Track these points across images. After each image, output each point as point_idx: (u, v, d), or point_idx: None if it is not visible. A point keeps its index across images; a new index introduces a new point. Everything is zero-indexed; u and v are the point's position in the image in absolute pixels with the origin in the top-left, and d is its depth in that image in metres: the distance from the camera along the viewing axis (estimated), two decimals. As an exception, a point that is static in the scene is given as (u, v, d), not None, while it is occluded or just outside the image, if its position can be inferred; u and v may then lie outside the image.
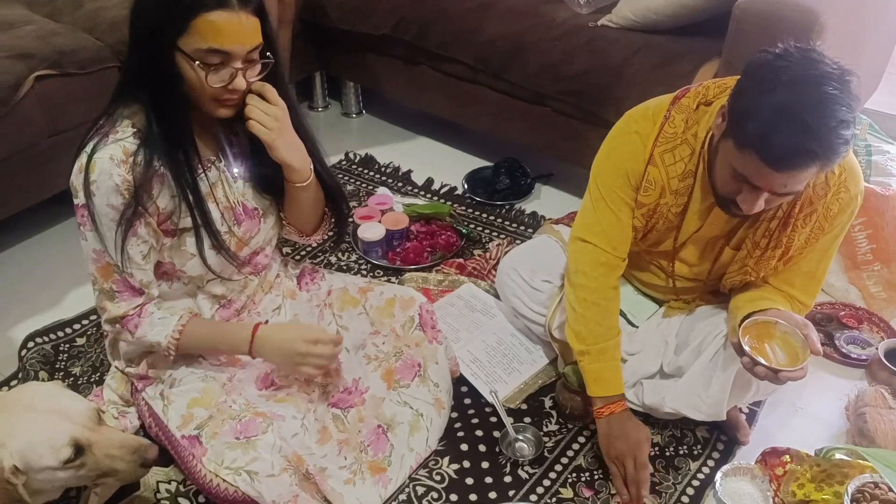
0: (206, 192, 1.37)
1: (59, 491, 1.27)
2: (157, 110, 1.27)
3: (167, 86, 1.25)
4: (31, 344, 1.82)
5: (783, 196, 1.27)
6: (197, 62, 1.21)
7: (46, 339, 1.85)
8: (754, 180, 1.24)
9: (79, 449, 1.19)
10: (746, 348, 1.32)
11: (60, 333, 1.88)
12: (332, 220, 1.61)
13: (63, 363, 1.81)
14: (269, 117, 1.33)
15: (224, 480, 1.33)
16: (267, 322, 1.57)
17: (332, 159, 2.59)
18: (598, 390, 1.51)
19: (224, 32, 1.20)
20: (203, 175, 1.37)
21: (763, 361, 1.31)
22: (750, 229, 1.45)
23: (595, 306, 1.53)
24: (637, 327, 1.71)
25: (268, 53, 1.29)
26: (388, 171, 2.56)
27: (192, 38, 1.20)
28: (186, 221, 1.36)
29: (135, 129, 1.28)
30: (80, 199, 1.29)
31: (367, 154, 2.63)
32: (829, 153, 1.17)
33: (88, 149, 1.27)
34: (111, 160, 1.25)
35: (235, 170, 1.44)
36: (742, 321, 1.39)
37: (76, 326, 1.91)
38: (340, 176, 2.53)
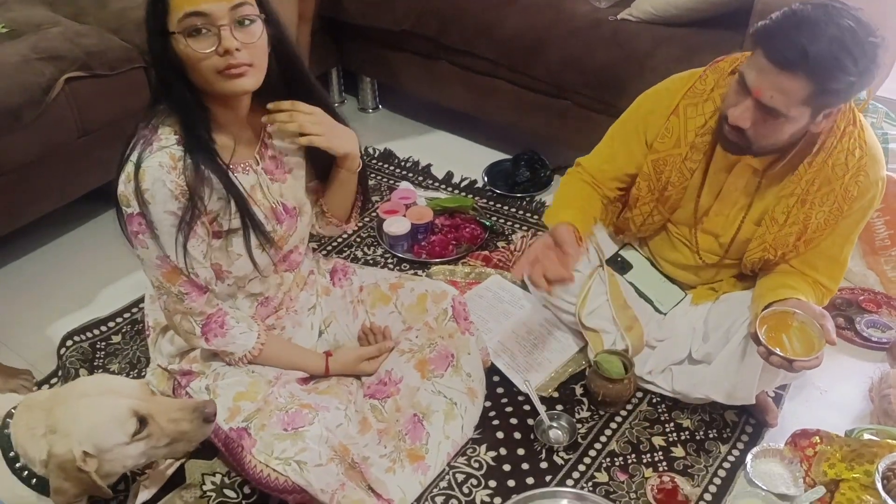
0: (248, 195, 1.40)
1: (130, 468, 1.31)
2: (180, 112, 1.30)
3: (177, 79, 1.27)
4: (69, 342, 1.86)
5: (768, 114, 1.31)
6: (182, 33, 1.21)
7: (83, 337, 1.89)
8: (751, 80, 1.30)
9: (142, 420, 1.24)
10: (762, 338, 1.36)
11: (97, 331, 1.92)
12: (360, 200, 1.66)
13: (101, 360, 1.85)
14: (317, 124, 1.37)
15: (274, 470, 1.37)
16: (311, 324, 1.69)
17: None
18: (551, 220, 1.62)
19: None
20: (244, 176, 1.40)
21: (778, 351, 1.34)
22: (771, 199, 1.49)
23: (570, 186, 1.71)
24: (665, 315, 1.75)
25: (262, 15, 1.27)
26: (408, 165, 2.59)
27: (173, 14, 1.21)
28: (233, 223, 1.39)
29: (177, 137, 1.30)
30: (133, 209, 1.30)
31: (385, 149, 2.66)
32: (820, 67, 1.23)
33: (134, 158, 1.28)
34: (161, 167, 1.27)
35: (273, 174, 1.47)
36: (763, 310, 1.44)
37: (111, 324, 1.95)
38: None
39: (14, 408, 1.30)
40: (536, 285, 1.50)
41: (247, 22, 1.25)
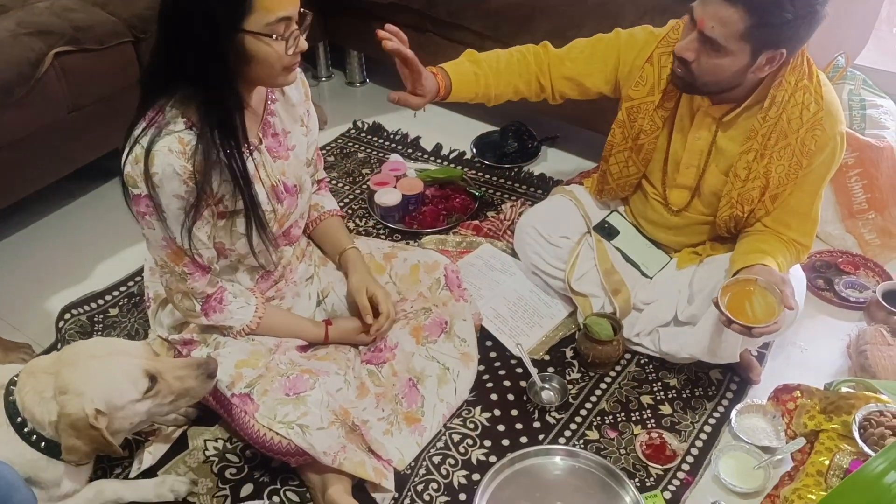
0: (252, 175, 1.41)
1: (139, 426, 1.37)
2: (213, 102, 1.29)
3: (228, 72, 1.27)
4: (67, 315, 1.88)
5: (709, 45, 1.38)
6: (274, 36, 1.24)
7: (81, 310, 1.91)
8: (696, 12, 1.38)
9: (152, 378, 1.30)
10: (722, 307, 1.42)
11: (94, 305, 1.94)
12: None
13: (100, 333, 1.87)
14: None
15: (277, 434, 1.41)
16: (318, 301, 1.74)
17: (339, 128, 2.66)
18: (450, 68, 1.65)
19: None
20: (249, 158, 1.41)
21: (736, 320, 1.40)
22: (734, 155, 1.55)
23: (516, 52, 1.70)
24: (651, 278, 1.81)
25: (303, 9, 1.32)
26: (397, 138, 2.61)
27: (257, 14, 1.22)
28: (238, 204, 1.41)
29: (185, 120, 1.31)
30: (140, 190, 1.31)
31: (374, 122, 2.68)
32: (758, 1, 1.31)
33: (144, 142, 1.29)
34: (170, 152, 1.28)
35: (275, 151, 1.50)
36: (737, 274, 1.49)
37: (108, 297, 1.97)
38: (350, 144, 2.59)
39: (16, 376, 1.34)
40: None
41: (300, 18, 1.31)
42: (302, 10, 1.31)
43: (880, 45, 2.91)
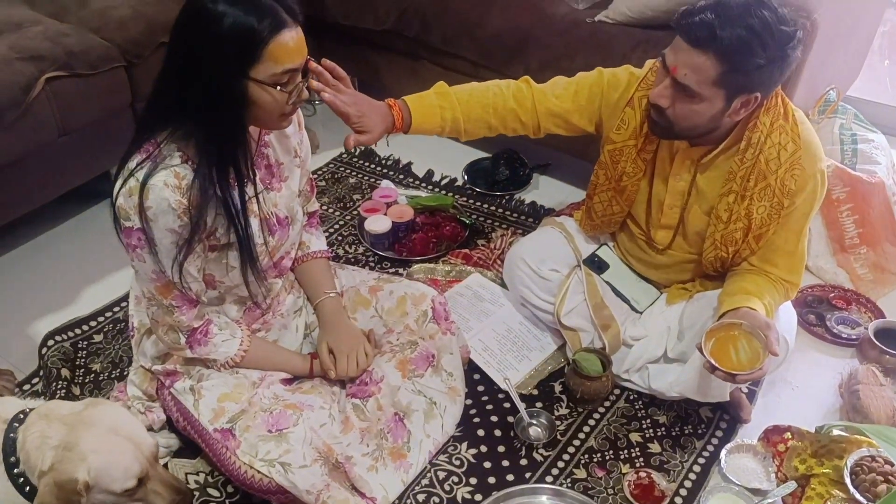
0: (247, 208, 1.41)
1: None
2: (215, 139, 1.29)
3: (231, 114, 1.27)
4: (50, 342, 1.86)
5: (682, 92, 1.37)
6: (278, 87, 1.26)
7: (65, 336, 1.89)
8: (669, 59, 1.38)
9: (140, 481, 1.26)
10: (706, 353, 1.41)
11: (78, 331, 1.92)
12: None
13: (83, 360, 1.85)
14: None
15: (258, 472, 1.39)
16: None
17: (331, 152, 2.65)
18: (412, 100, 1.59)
19: (292, 51, 1.25)
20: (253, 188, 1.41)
21: (719, 367, 1.39)
22: (715, 197, 1.54)
23: (495, 86, 1.65)
24: (641, 313, 1.79)
25: (310, 58, 1.33)
26: (389, 163, 2.60)
27: (265, 65, 1.23)
28: (231, 237, 1.40)
29: (181, 154, 1.31)
30: (133, 223, 1.30)
31: (366, 147, 2.67)
32: (729, 51, 1.31)
33: (140, 175, 1.28)
34: (166, 186, 1.28)
35: (268, 183, 1.49)
36: (722, 317, 1.47)
37: (93, 323, 1.95)
38: (342, 169, 2.58)
39: (23, 412, 1.31)
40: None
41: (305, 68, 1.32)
42: (309, 58, 1.32)
43: (873, 77, 2.92)
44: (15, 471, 1.25)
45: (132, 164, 1.30)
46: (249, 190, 1.43)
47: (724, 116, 1.42)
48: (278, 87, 1.26)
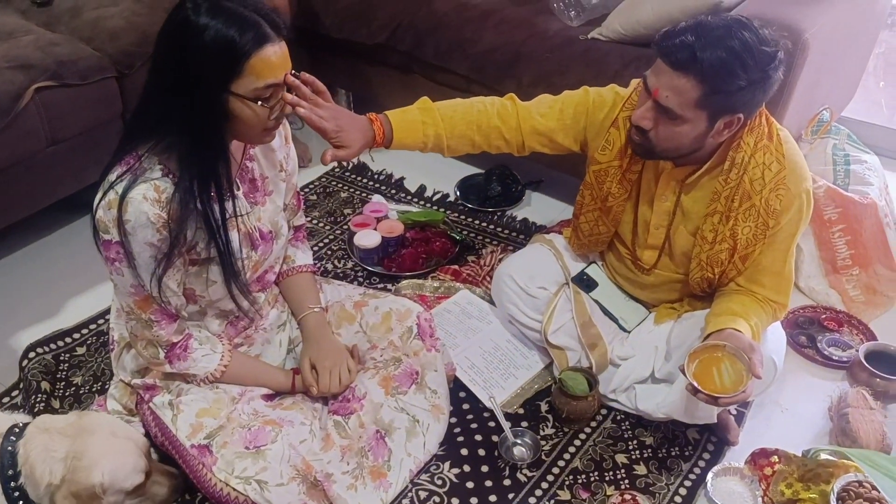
0: (228, 223, 1.39)
1: None
2: (196, 153, 1.28)
3: (213, 128, 1.27)
4: (31, 354, 1.84)
5: (664, 114, 1.37)
6: (259, 102, 1.25)
7: (47, 348, 1.87)
8: (651, 81, 1.37)
9: (147, 474, 1.33)
10: (688, 376, 1.39)
11: (60, 343, 1.90)
12: None
13: (64, 373, 1.83)
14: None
15: (234, 489, 1.38)
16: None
17: (324, 166, 2.64)
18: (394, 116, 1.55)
19: (275, 66, 1.23)
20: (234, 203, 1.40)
21: (701, 390, 1.37)
22: (700, 218, 1.53)
23: (480, 103, 1.63)
24: (629, 333, 1.77)
25: (293, 71, 1.32)
26: (381, 178, 2.59)
27: (246, 79, 1.22)
28: (211, 252, 1.39)
29: (162, 167, 1.30)
30: (111, 236, 1.29)
31: (359, 161, 2.66)
32: (710, 73, 1.30)
33: (119, 188, 1.27)
34: (145, 199, 1.26)
35: (252, 197, 1.48)
36: (707, 338, 1.46)
37: (76, 336, 1.93)
38: (334, 183, 2.57)
39: (17, 426, 1.32)
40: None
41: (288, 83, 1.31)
42: (294, 72, 1.31)
43: (868, 98, 2.92)
44: (12, 484, 1.26)
45: (112, 177, 1.29)
46: (230, 205, 1.41)
47: (707, 137, 1.41)
48: (259, 102, 1.25)
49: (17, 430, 1.31)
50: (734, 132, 1.42)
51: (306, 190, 2.52)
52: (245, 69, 1.21)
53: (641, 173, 1.59)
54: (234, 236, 1.42)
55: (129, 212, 1.26)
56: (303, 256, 1.71)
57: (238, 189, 1.43)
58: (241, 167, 1.45)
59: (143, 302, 1.38)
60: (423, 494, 1.56)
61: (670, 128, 1.39)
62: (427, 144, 1.59)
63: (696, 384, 1.37)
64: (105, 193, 1.28)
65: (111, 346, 1.64)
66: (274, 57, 1.23)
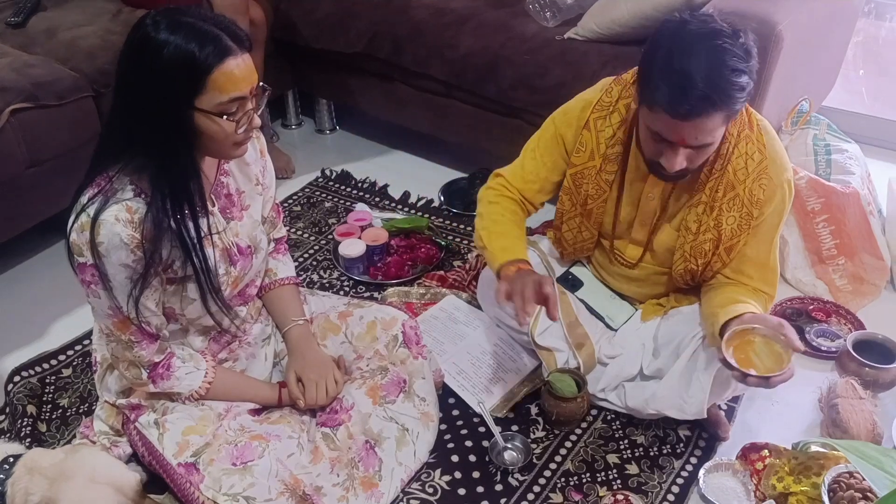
0: (204, 240, 1.38)
1: None
2: (167, 171, 1.27)
3: (181, 145, 1.25)
4: (17, 378, 1.82)
5: (700, 149, 1.37)
6: (225, 116, 1.24)
7: (32, 371, 1.85)
8: (668, 136, 1.35)
9: None
10: (733, 363, 1.38)
11: (46, 365, 1.88)
12: None
13: (50, 395, 1.82)
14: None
15: (222, 507, 1.36)
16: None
17: (307, 176, 2.64)
18: (505, 256, 1.58)
19: (237, 79, 1.22)
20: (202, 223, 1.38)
21: (753, 372, 1.37)
22: (683, 208, 1.54)
23: (499, 206, 1.69)
24: (616, 331, 1.77)
25: (261, 83, 1.31)
26: (365, 186, 2.59)
27: (210, 94, 1.21)
28: (188, 270, 1.37)
29: (134, 188, 1.28)
30: (86, 259, 1.28)
31: (343, 170, 2.65)
32: (724, 99, 1.28)
33: (91, 210, 1.25)
34: (117, 221, 1.25)
35: (228, 212, 1.47)
36: (722, 329, 1.45)
37: (61, 357, 1.91)
38: (318, 193, 2.56)
39: (8, 460, 1.30)
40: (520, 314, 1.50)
41: (257, 95, 1.29)
42: (261, 84, 1.30)
43: (848, 87, 2.92)
44: None
45: (84, 199, 1.28)
46: (209, 220, 1.40)
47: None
48: (225, 117, 1.24)
49: (7, 465, 1.29)
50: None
51: (290, 201, 2.51)
52: (208, 84, 1.20)
53: (621, 174, 1.59)
54: (210, 253, 1.41)
55: (101, 234, 1.25)
56: (284, 269, 1.70)
57: (214, 205, 1.42)
58: (216, 182, 1.44)
59: (122, 324, 1.37)
60: (414, 503, 1.55)
61: (704, 153, 1.40)
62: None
63: (743, 370, 1.36)
64: (77, 216, 1.27)
65: (94, 368, 1.63)
66: (237, 70, 1.22)
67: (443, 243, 2.24)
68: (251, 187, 1.52)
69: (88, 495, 1.25)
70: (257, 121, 1.30)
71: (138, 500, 1.32)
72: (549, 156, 1.65)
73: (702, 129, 1.32)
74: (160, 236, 1.29)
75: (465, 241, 2.30)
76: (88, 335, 1.96)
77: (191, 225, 1.33)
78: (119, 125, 1.27)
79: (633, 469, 1.62)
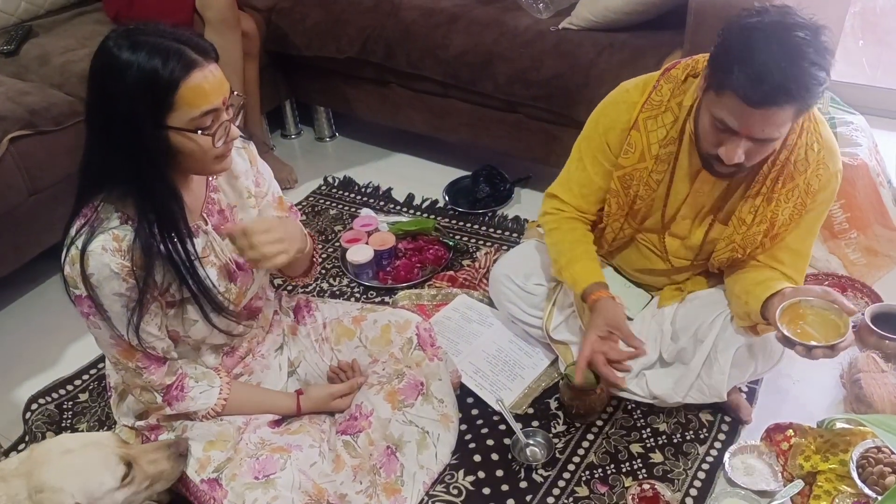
0: (200, 259, 1.36)
1: None
2: (150, 196, 1.24)
3: (158, 167, 1.23)
4: (34, 406, 1.82)
5: (762, 143, 1.31)
6: (199, 131, 1.21)
7: (49, 398, 1.85)
8: (733, 124, 1.28)
9: (128, 464, 1.29)
10: (794, 338, 1.33)
11: (62, 391, 1.88)
12: (314, 260, 1.64)
13: (69, 421, 1.81)
14: (277, 241, 1.32)
15: (246, 522, 1.35)
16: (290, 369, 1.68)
17: (310, 185, 2.63)
18: (584, 282, 1.58)
19: (207, 91, 1.19)
20: (194, 242, 1.36)
21: (816, 343, 1.32)
22: (737, 199, 1.49)
23: (559, 231, 1.67)
24: (632, 319, 1.75)
25: (234, 92, 1.28)
26: (369, 191, 2.58)
27: (180, 111, 1.18)
28: (185, 292, 1.36)
29: (120, 215, 1.27)
30: (80, 291, 1.27)
31: (345, 176, 2.65)
32: (802, 91, 1.23)
33: (79, 243, 1.24)
34: (104, 251, 1.24)
35: (223, 226, 1.45)
36: (763, 308, 1.42)
37: (77, 382, 1.91)
38: (322, 201, 2.56)
39: None
40: (609, 379, 1.51)
41: (231, 105, 1.26)
42: (235, 93, 1.27)
43: (849, 58, 2.90)
44: None
45: (73, 231, 1.26)
46: (203, 239, 1.39)
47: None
48: (200, 132, 1.21)
49: None
50: None
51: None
52: (176, 101, 1.17)
53: (672, 171, 1.53)
54: (212, 272, 1.40)
55: (91, 265, 1.24)
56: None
57: (207, 223, 1.41)
58: (207, 200, 1.42)
59: (126, 352, 1.36)
60: (439, 506, 1.54)
61: (766, 149, 1.34)
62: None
63: (807, 343, 1.32)
64: (67, 249, 1.26)
65: (109, 392, 1.62)
66: (204, 83, 1.19)
67: (451, 243, 2.22)
68: (243, 201, 1.50)
69: (73, 462, 1.25)
70: (235, 131, 1.27)
71: (125, 445, 1.32)
72: (598, 165, 1.60)
73: (771, 122, 1.26)
74: (151, 261, 1.28)
75: (473, 240, 2.29)
76: (102, 359, 1.96)
77: (180, 247, 1.30)
78: (94, 155, 1.24)
79: (657, 457, 1.61)
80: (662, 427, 1.67)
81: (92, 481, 1.25)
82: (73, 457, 1.26)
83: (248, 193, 1.50)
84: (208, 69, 1.20)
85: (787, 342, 1.35)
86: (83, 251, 1.23)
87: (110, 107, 1.18)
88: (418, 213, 2.45)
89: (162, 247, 1.28)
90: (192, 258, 1.32)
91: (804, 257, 1.54)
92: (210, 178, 1.42)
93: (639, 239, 1.69)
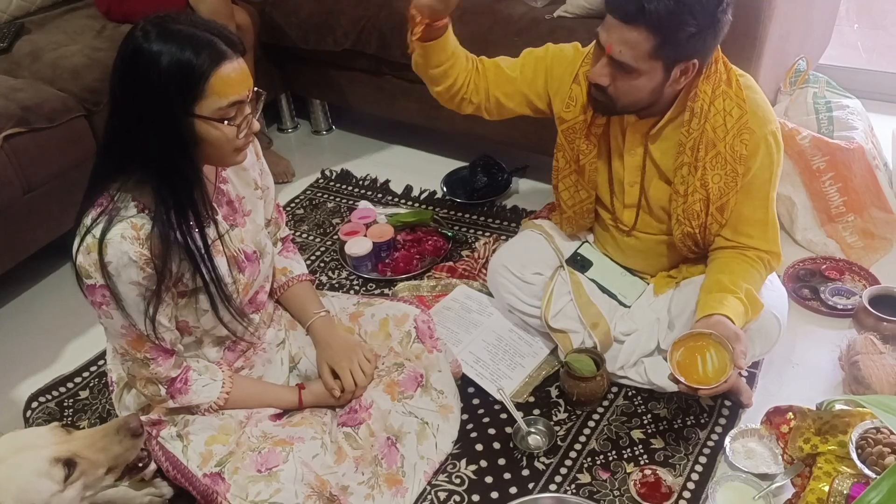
0: (212, 246, 1.37)
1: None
2: (169, 183, 1.25)
3: (182, 155, 1.24)
4: (34, 404, 1.82)
5: (620, 67, 1.37)
6: (225, 121, 1.23)
7: (49, 396, 1.85)
8: (603, 38, 1.38)
9: (68, 462, 1.17)
10: (671, 365, 1.40)
11: (63, 389, 1.88)
12: None
13: (69, 419, 1.81)
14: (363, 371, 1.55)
15: (250, 515, 1.35)
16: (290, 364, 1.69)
17: (308, 178, 2.63)
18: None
19: (235, 83, 1.22)
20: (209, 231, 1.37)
21: (682, 380, 1.38)
22: (668, 162, 1.54)
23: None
24: (629, 307, 1.76)
25: (255, 88, 1.30)
26: (366, 183, 2.58)
27: (209, 100, 1.20)
28: (198, 282, 1.37)
29: (136, 204, 1.27)
30: (95, 280, 1.26)
31: (342, 169, 2.64)
32: (659, 22, 1.30)
33: (96, 231, 1.24)
34: (124, 239, 1.24)
35: (231, 219, 1.46)
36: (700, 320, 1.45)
37: (77, 380, 1.91)
38: (319, 194, 2.55)
39: None
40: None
41: (253, 99, 1.29)
42: (256, 89, 1.29)
43: (844, 42, 2.90)
44: None
45: (87, 220, 1.26)
46: (212, 231, 1.39)
47: (665, 87, 1.41)
48: (226, 122, 1.24)
49: None
50: (691, 79, 1.43)
51: (292, 204, 2.50)
52: (206, 90, 1.20)
53: (608, 128, 1.60)
54: (221, 262, 1.40)
55: (109, 253, 1.24)
56: (297, 266, 1.70)
57: (217, 214, 1.41)
58: (217, 190, 1.43)
59: (136, 341, 1.36)
60: (442, 495, 1.54)
61: (628, 82, 1.40)
62: (443, 63, 1.64)
63: (677, 374, 1.38)
64: (83, 238, 1.26)
65: (111, 388, 1.62)
66: (234, 73, 1.22)
67: (449, 234, 2.22)
68: (250, 192, 1.51)
69: (8, 470, 1.14)
70: (256, 125, 1.30)
71: (66, 439, 1.20)
72: (528, 68, 1.65)
73: (625, 42, 1.33)
74: (168, 250, 1.28)
75: (472, 231, 2.29)
76: (102, 356, 1.96)
77: (197, 235, 1.32)
78: (116, 142, 1.26)
79: (658, 443, 1.61)
80: (663, 413, 1.67)
81: (28, 493, 1.14)
82: (10, 464, 1.15)
83: (255, 185, 1.51)
84: (237, 61, 1.23)
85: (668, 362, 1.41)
86: (101, 239, 1.24)
87: (140, 94, 1.19)
88: (416, 204, 2.45)
89: (178, 235, 1.28)
90: (209, 245, 1.34)
91: (772, 226, 1.55)
92: (219, 169, 1.43)
93: (602, 215, 1.73)
